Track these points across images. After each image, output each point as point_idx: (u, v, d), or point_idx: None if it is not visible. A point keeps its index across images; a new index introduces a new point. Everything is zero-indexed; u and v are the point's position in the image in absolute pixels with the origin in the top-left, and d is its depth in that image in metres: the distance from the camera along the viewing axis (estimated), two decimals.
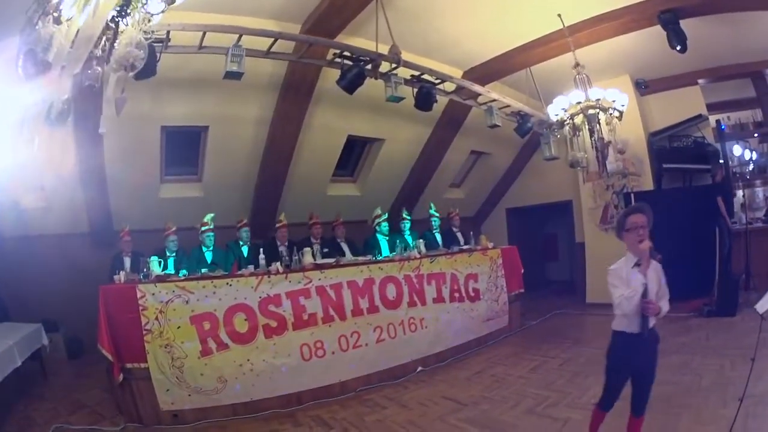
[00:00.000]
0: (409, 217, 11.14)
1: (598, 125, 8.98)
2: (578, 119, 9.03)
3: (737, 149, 13.77)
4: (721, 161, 12.20)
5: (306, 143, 10.76)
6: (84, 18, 3.90)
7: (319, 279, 7.72)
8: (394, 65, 8.32)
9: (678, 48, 8.97)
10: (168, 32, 6.61)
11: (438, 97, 9.50)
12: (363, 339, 7.96)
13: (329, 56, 8.32)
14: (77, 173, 8.89)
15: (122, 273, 7.23)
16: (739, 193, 12.69)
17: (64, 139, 8.16)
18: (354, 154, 12.82)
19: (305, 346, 7.35)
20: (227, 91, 8.86)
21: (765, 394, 5.70)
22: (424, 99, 9.08)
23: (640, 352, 4.15)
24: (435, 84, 9.30)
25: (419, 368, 8.46)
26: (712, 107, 12.98)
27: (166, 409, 6.40)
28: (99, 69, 4.62)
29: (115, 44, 4.33)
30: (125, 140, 8.81)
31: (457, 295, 9.59)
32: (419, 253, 9.55)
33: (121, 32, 4.32)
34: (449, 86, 9.94)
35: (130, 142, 8.96)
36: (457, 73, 10.68)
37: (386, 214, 10.70)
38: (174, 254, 8.67)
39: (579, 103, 8.89)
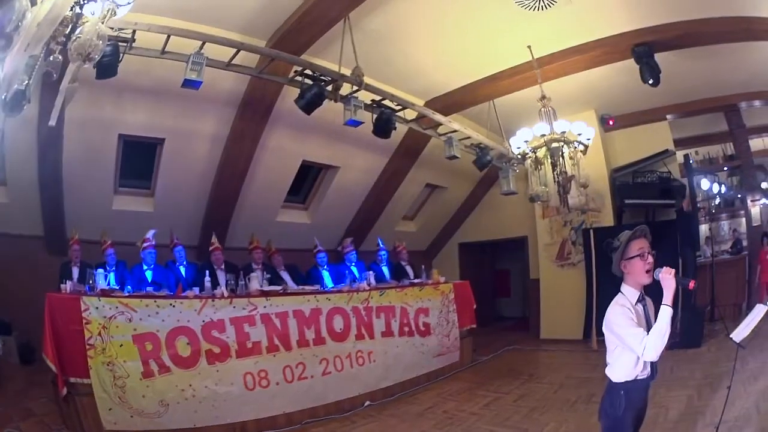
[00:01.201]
0: (354, 249, 11.07)
1: (561, 159, 8.94)
2: (541, 152, 9.01)
3: (705, 183, 14.18)
4: (688, 192, 12.42)
5: (260, 164, 10.66)
6: None
7: (265, 306, 7.66)
8: (355, 88, 8.27)
9: (650, 82, 9.06)
10: (134, 32, 6.49)
11: (397, 125, 9.49)
12: (309, 371, 7.86)
13: (291, 74, 8.29)
14: (36, 172, 8.70)
15: (69, 283, 7.03)
16: (704, 226, 13.38)
17: (27, 133, 8.00)
18: (308, 180, 12.73)
19: (249, 375, 7.24)
20: (186, 104, 8.80)
21: (738, 418, 5.79)
22: (384, 125, 9.04)
23: (646, 397, 3.75)
24: (395, 111, 9.27)
25: (367, 402, 8.36)
26: (681, 142, 13.40)
27: (109, 428, 6.21)
28: (60, 57, 4.43)
29: (76, 32, 4.20)
30: (83, 144, 8.67)
31: (406, 329, 9.57)
32: (368, 285, 9.51)
33: (85, 21, 4.20)
34: (410, 114, 9.91)
35: (88, 147, 8.81)
36: (419, 102, 10.68)
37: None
38: (114, 269, 8.39)
39: (543, 135, 8.87)
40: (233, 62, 7.55)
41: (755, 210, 13.90)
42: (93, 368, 6.16)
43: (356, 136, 9.96)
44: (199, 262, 9.53)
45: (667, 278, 3.39)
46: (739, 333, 5.01)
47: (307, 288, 8.83)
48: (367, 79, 8.34)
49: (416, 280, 10.67)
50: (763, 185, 14.64)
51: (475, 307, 11.26)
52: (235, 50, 7.33)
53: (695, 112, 12.63)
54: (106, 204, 9.86)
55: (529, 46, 9.19)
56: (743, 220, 14.65)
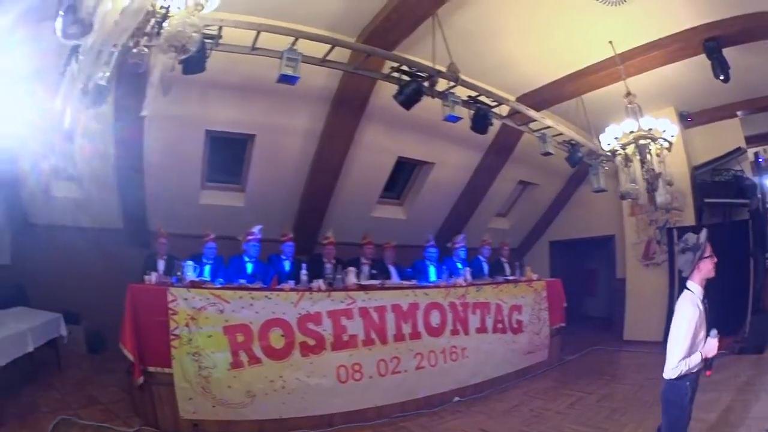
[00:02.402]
0: (464, 246, 10.35)
1: (648, 156, 8.66)
2: (630, 149, 8.76)
3: None
4: (759, 195, 11.63)
5: (355, 161, 10.39)
6: None
7: (363, 300, 7.42)
8: (451, 83, 7.88)
9: (721, 78, 8.62)
10: (220, 28, 6.33)
11: (494, 122, 9.17)
12: (403, 365, 7.59)
13: (385, 70, 7.94)
14: (114, 167, 8.63)
15: (154, 274, 6.97)
16: None
17: (103, 127, 7.88)
18: (402, 176, 12.35)
19: (342, 368, 7.02)
20: (277, 100, 8.61)
21: None
22: (481, 121, 8.62)
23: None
24: (491, 107, 8.82)
25: (456, 398, 7.99)
26: (750, 140, 12.49)
27: (186, 417, 6.13)
28: (145, 49, 4.20)
29: (164, 24, 4.00)
30: (167, 139, 8.58)
31: (500, 325, 9.15)
32: (465, 281, 9.07)
33: (171, 15, 4.01)
34: (503, 110, 9.44)
35: (172, 142, 8.71)
36: (510, 98, 10.02)
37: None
38: (211, 262, 8.16)
39: (631, 132, 8.62)
40: (327, 58, 7.30)
41: None
42: (176, 358, 6.09)
43: (450, 132, 9.57)
44: (292, 257, 8.93)
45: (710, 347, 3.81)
46: None
47: (405, 283, 8.56)
48: (461, 75, 7.95)
49: (511, 278, 10.19)
50: None
51: (565, 305, 10.84)
52: (329, 46, 7.10)
53: (764, 108, 11.72)
54: (193, 198, 9.80)
55: (610, 42, 8.86)
56: None
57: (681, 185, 11.84)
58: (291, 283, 7.36)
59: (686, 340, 3.72)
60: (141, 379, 6.04)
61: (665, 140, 8.61)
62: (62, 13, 3.43)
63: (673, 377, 3.82)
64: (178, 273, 6.85)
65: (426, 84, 7.71)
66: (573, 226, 15.32)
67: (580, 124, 10.63)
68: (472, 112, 8.56)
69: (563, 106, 10.92)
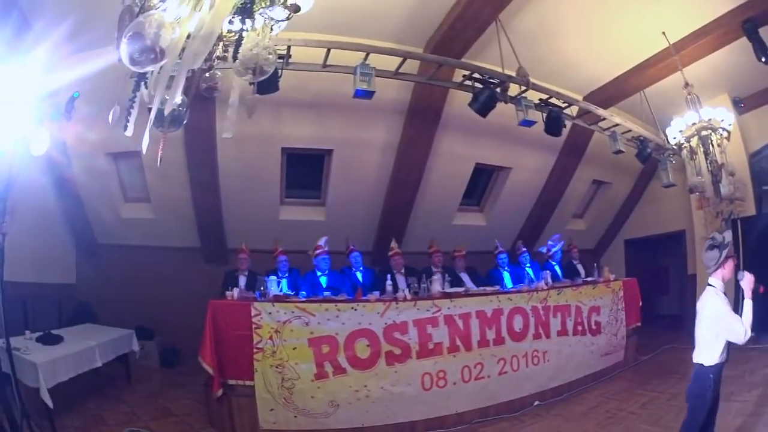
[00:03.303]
0: (526, 251, 10.35)
1: (711, 147, 8.70)
2: (694, 141, 8.76)
3: None
4: None
5: (434, 170, 10.31)
6: (199, 16, 3.44)
7: (449, 308, 7.35)
8: (523, 88, 7.85)
9: (763, 60, 8.32)
10: (289, 48, 6.50)
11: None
12: (486, 370, 7.50)
13: (456, 78, 7.93)
14: (188, 187, 8.81)
15: (236, 290, 7.05)
16: None
17: (175, 150, 8.12)
18: (480, 182, 12.15)
19: (427, 376, 6.99)
20: (350, 115, 8.67)
21: None
22: (554, 123, 8.55)
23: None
24: (562, 108, 8.75)
25: (536, 402, 7.85)
26: None
27: (266, 428, 6.25)
28: (218, 73, 4.22)
29: (240, 47, 3.87)
30: (242, 158, 8.70)
31: (580, 328, 8.99)
32: (546, 284, 9.04)
33: (245, 38, 3.87)
34: (572, 111, 9.39)
35: (247, 161, 8.83)
36: (579, 98, 9.91)
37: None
38: (286, 275, 8.17)
39: (693, 123, 8.63)
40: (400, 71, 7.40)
41: None
42: (259, 371, 6.24)
43: (524, 136, 9.52)
44: (374, 267, 9.24)
45: (747, 282, 4.20)
46: None
47: (488, 289, 8.43)
48: (530, 78, 7.96)
49: (589, 279, 10.02)
50: None
51: (641, 304, 10.50)
52: (401, 59, 7.17)
53: None
54: (272, 214, 9.88)
55: (663, 33, 8.61)
56: None
57: (741, 174, 11.34)
58: (376, 294, 7.39)
59: (733, 316, 4.02)
60: (220, 392, 6.19)
61: (724, 129, 8.55)
62: (126, 41, 3.32)
63: (716, 360, 4.06)
64: (261, 288, 6.93)
65: (498, 90, 7.69)
66: (645, 224, 14.83)
67: (645, 119, 10.42)
68: (545, 114, 8.51)
69: (628, 102, 10.68)
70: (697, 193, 10.64)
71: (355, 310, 6.73)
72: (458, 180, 11.09)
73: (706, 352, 4.10)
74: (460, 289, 8.11)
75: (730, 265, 4.20)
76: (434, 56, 7.49)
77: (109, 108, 4.04)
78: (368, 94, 6.83)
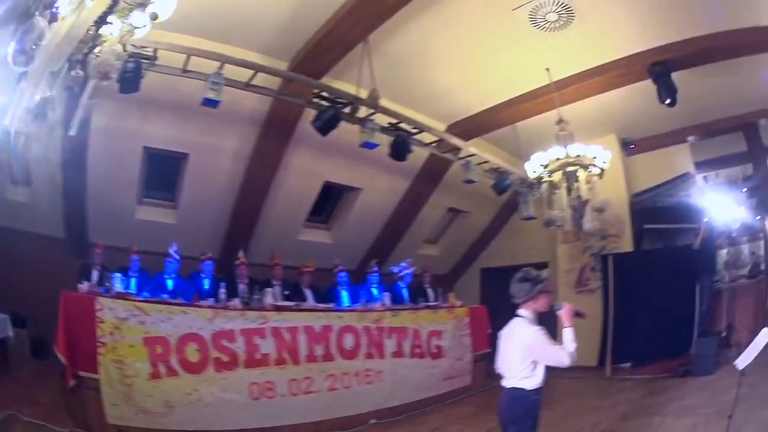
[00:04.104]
0: (377, 272, 11.19)
1: (576, 183, 9.21)
2: (556, 176, 9.29)
3: (724, 207, 13.25)
4: (705, 220, 12.17)
5: (283, 183, 11.02)
6: (73, 18, 4.27)
7: (276, 320, 8.12)
8: (371, 110, 8.70)
9: (668, 102, 9.11)
10: (155, 50, 7.03)
11: (419, 149, 9.94)
12: (316, 385, 8.26)
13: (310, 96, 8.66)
14: (60, 177, 9.10)
15: (86, 283, 7.62)
16: (724, 251, 12.92)
17: (53, 140, 8.11)
18: (330, 200, 13.00)
19: (255, 385, 7.67)
20: (210, 121, 9.17)
21: None
22: (399, 148, 9.37)
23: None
24: (412, 134, 9.63)
25: (373, 420, 8.61)
26: (700, 165, 13.26)
27: (112, 422, 6.62)
28: (81, 72, 4.98)
29: (95, 51, 4.73)
30: (108, 153, 9.10)
31: (418, 350, 9.85)
32: (383, 306, 9.91)
33: (105, 40, 4.70)
34: (429, 138, 10.28)
35: (112, 156, 9.24)
36: (441, 126, 11.03)
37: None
38: (136, 275, 8.72)
39: (558, 159, 9.14)
40: (252, 83, 8.05)
41: None
42: (102, 365, 6.63)
43: (379, 158, 10.11)
44: (219, 275, 9.60)
45: (565, 311, 4.44)
46: (743, 360, 5.38)
47: (321, 306, 9.22)
48: (385, 102, 8.84)
49: (431, 303, 10.96)
50: None
51: (489, 332, 11.27)
52: (254, 72, 7.89)
53: (715, 132, 12.58)
54: (129, 213, 10.29)
55: (547, 69, 9.44)
56: (762, 242, 13.97)
57: (619, 212, 12.73)
58: (212, 301, 8.07)
59: (552, 345, 4.31)
60: (73, 382, 6.58)
61: (596, 167, 9.09)
62: (15, 44, 4.23)
63: (536, 385, 4.37)
64: (107, 283, 7.60)
65: (347, 110, 8.61)
66: (506, 254, 15.77)
67: (514, 153, 11.35)
68: (393, 138, 9.34)
69: (499, 134, 11.73)
70: (554, 227, 11.55)
71: (186, 314, 7.37)
72: (306, 196, 11.90)
73: (527, 378, 4.39)
74: (291, 304, 8.78)
75: (543, 299, 4.53)
76: (285, 71, 8.35)
77: None
78: (214, 104, 7.44)
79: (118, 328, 6.82)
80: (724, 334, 11.37)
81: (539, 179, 9.57)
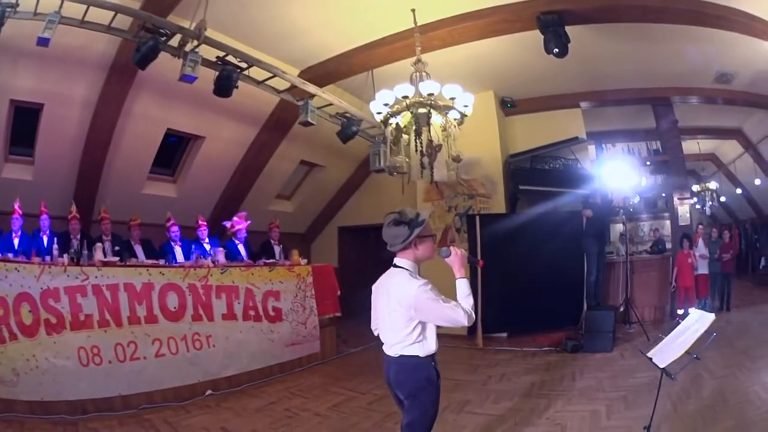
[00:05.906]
0: (206, 227, 12.82)
1: (428, 128, 9.51)
2: (404, 119, 9.55)
3: (621, 178, 15.04)
4: (595, 188, 14.18)
5: (126, 132, 12.41)
6: None
7: (96, 277, 8.94)
8: (196, 42, 9.50)
9: (555, 51, 9.91)
10: None
11: (269, 96, 11.84)
12: (141, 351, 9.18)
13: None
14: None
15: None
16: (620, 225, 15.44)
17: None
18: (177, 152, 14.69)
19: (83, 350, 8.57)
20: (65, 68, 10.46)
21: None
22: (223, 83, 10.33)
23: None
24: (240, 69, 10.52)
25: (209, 392, 9.81)
26: (602, 135, 16.01)
27: None
28: None
29: None
30: None
31: (252, 313, 11.10)
32: (213, 262, 11.13)
33: None
34: (281, 84, 11.60)
35: None
36: (294, 71, 12.48)
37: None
38: None
39: (405, 97, 9.26)
40: (88, 21, 8.94)
41: (683, 209, 15.94)
42: None
43: (225, 105, 11.53)
44: (50, 230, 10.92)
45: (455, 258, 4.70)
46: (662, 354, 5.45)
47: (147, 261, 10.36)
48: (213, 34, 9.73)
49: (270, 261, 12.38)
50: (695, 188, 17.19)
51: (339, 293, 13.36)
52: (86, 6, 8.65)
53: (617, 101, 14.65)
54: None
55: (413, 10, 10.09)
56: (667, 222, 16.93)
57: (491, 172, 14.77)
58: (48, 259, 8.95)
59: (445, 302, 4.45)
60: None
61: (458, 111, 9.40)
62: None
63: (430, 351, 4.64)
64: None
65: (175, 45, 9.58)
66: (365, 212, 17.86)
67: (370, 100, 11.17)
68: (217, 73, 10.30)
69: (356, 81, 13.33)
70: (396, 175, 13.26)
71: (18, 271, 8.10)
72: (148, 145, 13.36)
73: (417, 343, 4.55)
74: (115, 259, 9.73)
75: (426, 245, 4.64)
76: (110, 3, 8.77)
77: None
78: (47, 42, 8.18)
79: None
80: (621, 309, 13.35)
81: (385, 121, 9.78)
